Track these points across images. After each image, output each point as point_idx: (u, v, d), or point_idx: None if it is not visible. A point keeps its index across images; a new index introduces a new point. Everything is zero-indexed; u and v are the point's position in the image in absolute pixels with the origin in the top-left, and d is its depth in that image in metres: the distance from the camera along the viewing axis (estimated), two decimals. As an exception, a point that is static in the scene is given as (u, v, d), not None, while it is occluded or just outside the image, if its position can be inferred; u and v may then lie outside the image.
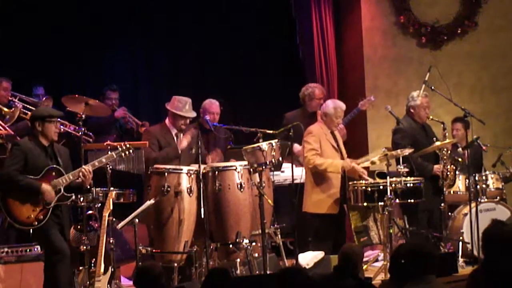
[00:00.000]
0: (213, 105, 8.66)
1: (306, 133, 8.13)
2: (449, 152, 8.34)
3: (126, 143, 7.28)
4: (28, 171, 6.85)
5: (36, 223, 6.83)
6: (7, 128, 7.99)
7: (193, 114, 8.08)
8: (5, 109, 8.21)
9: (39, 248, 7.43)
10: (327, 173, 8.07)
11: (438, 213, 8.39)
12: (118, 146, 7.21)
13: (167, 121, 8.08)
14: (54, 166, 6.92)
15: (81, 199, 7.40)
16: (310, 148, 8.05)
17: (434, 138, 8.31)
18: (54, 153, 6.99)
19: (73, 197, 7.00)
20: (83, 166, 7.00)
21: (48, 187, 6.83)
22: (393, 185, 7.79)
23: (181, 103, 7.99)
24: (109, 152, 7.33)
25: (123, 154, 7.20)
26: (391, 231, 7.74)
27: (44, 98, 8.68)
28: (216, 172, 7.51)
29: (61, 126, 7.84)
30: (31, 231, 6.96)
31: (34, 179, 6.84)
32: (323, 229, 8.11)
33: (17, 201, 6.83)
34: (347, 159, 8.16)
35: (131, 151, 7.23)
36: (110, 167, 7.30)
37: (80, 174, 6.93)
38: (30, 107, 8.43)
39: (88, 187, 7.23)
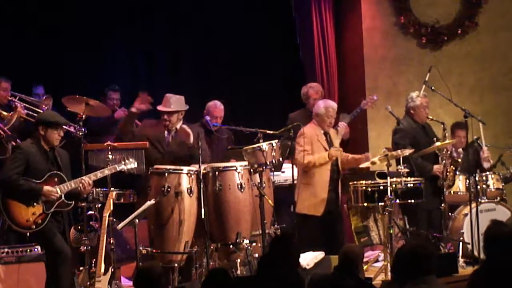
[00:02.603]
0: (217, 108, 8.68)
1: (298, 134, 8.11)
2: (449, 152, 8.34)
3: (129, 157, 7.30)
4: (29, 174, 6.85)
5: (34, 226, 6.83)
6: (5, 129, 7.99)
7: (171, 108, 7.94)
8: (4, 113, 8.21)
9: (39, 249, 7.42)
10: (315, 176, 8.05)
11: (438, 213, 8.39)
12: (122, 160, 7.22)
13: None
14: (57, 172, 6.92)
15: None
16: (300, 150, 8.04)
17: (434, 139, 8.31)
18: (55, 157, 6.98)
19: (73, 204, 7.01)
20: (84, 177, 7.00)
21: (49, 187, 6.83)
22: (393, 186, 7.79)
23: (164, 99, 7.98)
24: (109, 153, 7.36)
25: (125, 168, 7.22)
26: (391, 231, 7.74)
27: (44, 97, 8.67)
28: (216, 173, 7.52)
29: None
30: (28, 234, 6.98)
31: (36, 183, 6.84)
32: (314, 230, 8.10)
33: (18, 203, 6.82)
34: (332, 148, 8.13)
35: (133, 165, 7.24)
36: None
37: (80, 184, 6.94)
38: (31, 107, 8.43)
39: (85, 195, 7.24)
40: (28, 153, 6.87)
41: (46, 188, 6.82)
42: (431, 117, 8.48)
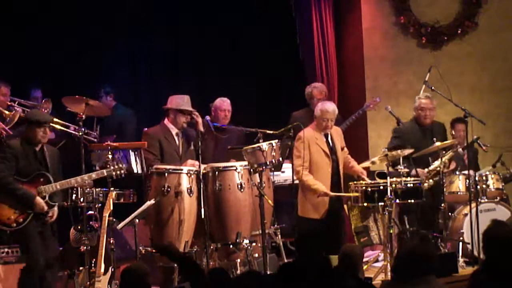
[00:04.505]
0: (224, 103, 8.72)
1: (296, 138, 8.01)
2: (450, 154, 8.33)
3: (119, 163, 7.26)
4: (16, 173, 6.87)
5: (15, 225, 6.85)
6: (6, 129, 8.00)
7: (191, 108, 8.08)
8: (6, 112, 8.24)
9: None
10: (315, 178, 7.99)
11: (432, 213, 8.38)
12: (111, 166, 7.19)
13: (166, 121, 8.07)
14: (44, 172, 6.93)
15: (82, 199, 7.41)
16: (297, 156, 7.95)
17: (434, 139, 8.29)
18: (43, 157, 6.99)
19: (56, 205, 6.98)
20: (73, 181, 7.03)
21: (41, 201, 6.85)
22: (393, 186, 7.78)
23: (180, 100, 8.00)
24: (109, 153, 7.36)
25: (114, 174, 7.19)
26: (391, 231, 7.74)
27: (43, 101, 8.67)
28: (216, 172, 7.52)
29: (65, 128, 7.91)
30: (8, 232, 6.99)
31: (24, 182, 6.85)
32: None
33: (2, 201, 6.83)
34: (328, 191, 7.92)
35: (122, 171, 7.21)
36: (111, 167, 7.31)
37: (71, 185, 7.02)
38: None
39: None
40: (17, 152, 6.90)
41: (38, 199, 6.84)
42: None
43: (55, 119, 8.17)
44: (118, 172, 7.19)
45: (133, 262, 7.04)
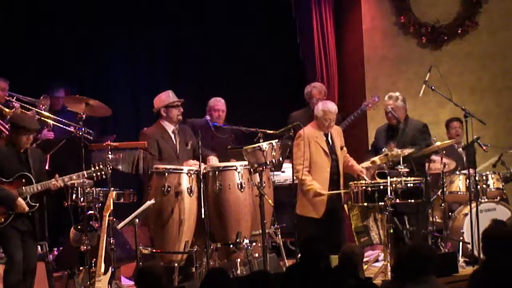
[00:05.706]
0: (218, 102, 8.71)
1: (297, 136, 8.03)
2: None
3: (100, 163, 7.20)
4: (0, 174, 6.85)
5: None
6: (7, 127, 8.00)
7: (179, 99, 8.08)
8: (6, 110, 8.23)
9: (39, 248, 7.43)
10: (314, 177, 7.96)
11: (416, 217, 8.37)
12: (92, 167, 7.16)
13: (161, 121, 8.06)
14: (26, 173, 6.91)
15: (82, 199, 7.40)
16: (297, 154, 7.96)
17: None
18: (27, 159, 6.96)
19: (37, 206, 6.94)
20: (53, 181, 6.98)
21: (22, 202, 6.82)
22: (393, 185, 7.78)
23: (164, 96, 7.99)
24: (109, 153, 7.33)
25: (94, 175, 7.16)
26: (391, 231, 7.74)
27: (41, 97, 8.64)
28: (217, 172, 7.52)
29: (65, 126, 7.89)
30: None
31: (6, 183, 6.82)
32: (313, 232, 8.06)
33: None
34: (322, 190, 7.95)
35: (102, 173, 7.16)
36: (111, 167, 7.31)
37: (51, 186, 6.95)
38: (29, 107, 8.43)
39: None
40: (1, 153, 6.87)
41: (20, 201, 6.81)
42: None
43: (46, 113, 8.18)
44: (99, 174, 7.16)
45: (151, 261, 7.08)
